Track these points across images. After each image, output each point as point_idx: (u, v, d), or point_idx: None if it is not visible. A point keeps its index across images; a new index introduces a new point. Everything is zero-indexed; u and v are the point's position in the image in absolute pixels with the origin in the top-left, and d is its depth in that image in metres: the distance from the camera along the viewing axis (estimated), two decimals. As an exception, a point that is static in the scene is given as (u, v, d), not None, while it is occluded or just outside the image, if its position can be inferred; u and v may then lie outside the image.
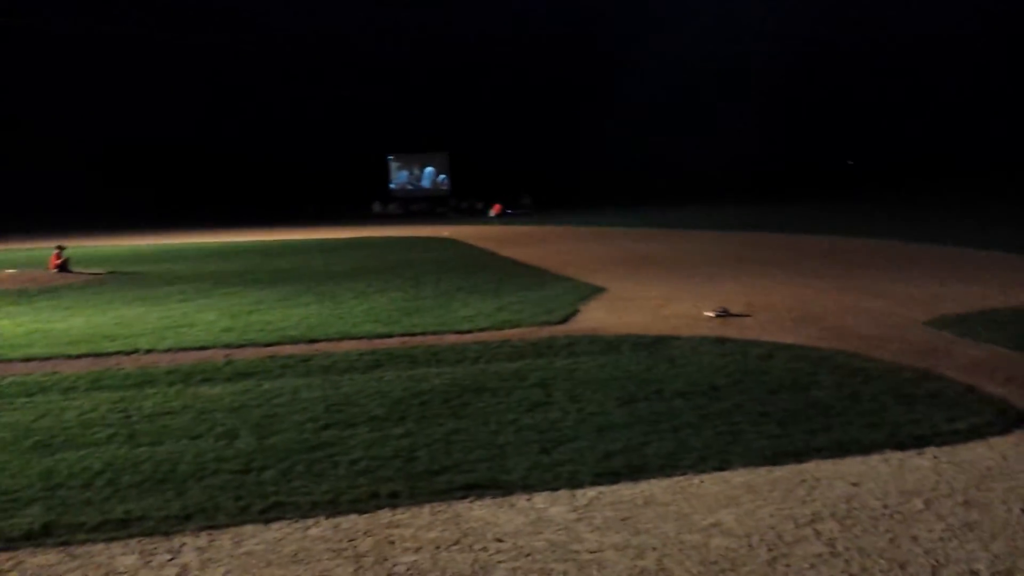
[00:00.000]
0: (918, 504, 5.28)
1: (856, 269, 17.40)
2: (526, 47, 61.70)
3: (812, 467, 5.92)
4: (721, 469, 5.90)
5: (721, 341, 10.12)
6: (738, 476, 5.79)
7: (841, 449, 6.23)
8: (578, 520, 5.15)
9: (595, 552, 4.72)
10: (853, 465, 5.95)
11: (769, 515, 5.15)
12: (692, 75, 58.98)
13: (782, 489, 5.55)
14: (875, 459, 6.07)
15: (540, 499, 5.48)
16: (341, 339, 11.06)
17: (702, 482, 5.70)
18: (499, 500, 5.48)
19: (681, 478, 5.77)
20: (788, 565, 4.53)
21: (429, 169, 59.26)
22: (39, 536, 5.06)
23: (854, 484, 5.61)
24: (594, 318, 12.16)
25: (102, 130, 57.04)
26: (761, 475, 5.80)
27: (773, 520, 5.08)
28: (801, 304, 12.95)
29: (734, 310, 12.29)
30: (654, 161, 59.72)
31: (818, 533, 4.89)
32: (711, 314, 11.99)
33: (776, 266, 18.38)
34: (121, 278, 20.01)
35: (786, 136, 62.99)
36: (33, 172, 53.36)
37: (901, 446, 6.30)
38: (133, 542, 4.98)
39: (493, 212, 47.68)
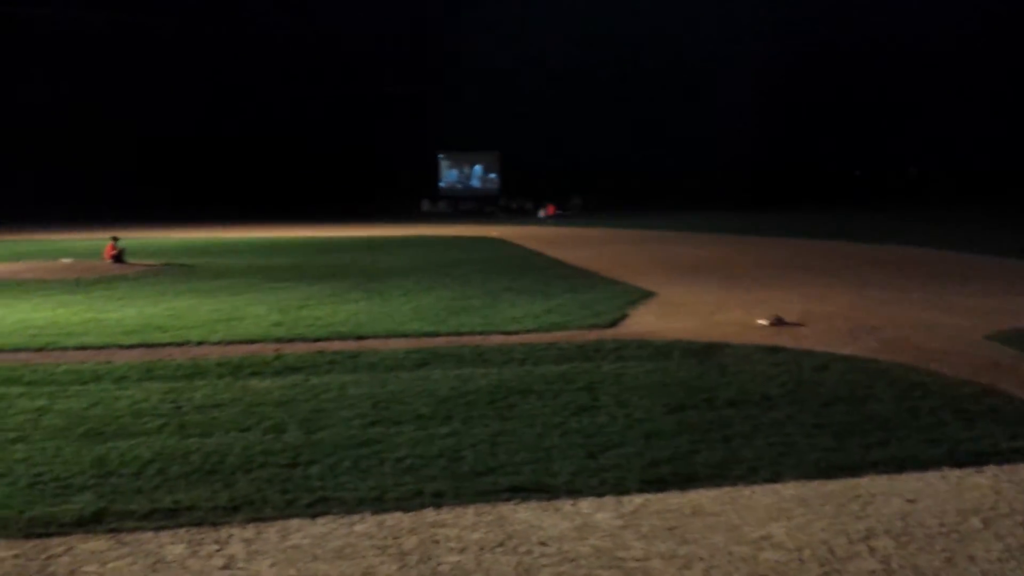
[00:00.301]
0: (976, 523, 5.12)
1: (912, 279, 17.04)
2: (572, 48, 61.67)
3: (867, 482, 5.77)
4: (772, 481, 5.77)
5: (774, 350, 9.94)
6: (790, 489, 5.66)
7: (897, 464, 6.06)
8: (624, 527, 5.07)
9: (641, 560, 4.65)
10: (910, 481, 5.79)
11: (821, 529, 5.03)
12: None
13: (835, 503, 5.41)
14: (932, 476, 5.90)
15: (586, 504, 5.41)
16: (389, 337, 11.10)
17: (752, 493, 5.58)
18: (544, 504, 5.42)
19: (731, 489, 5.66)
20: (841, 582, 4.41)
21: (478, 168, 59.42)
22: (90, 522, 5.12)
23: (910, 501, 5.45)
24: (643, 323, 12.05)
25: (151, 123, 58.04)
26: (814, 488, 5.66)
27: (825, 535, 4.96)
28: (858, 314, 12.69)
29: (788, 318, 12.06)
30: (691, 163, 59.52)
31: (872, 550, 4.76)
32: (764, 322, 11.78)
33: (831, 274, 18.07)
34: (173, 270, 20.34)
35: (821, 141, 62.56)
36: (78, 165, 54.54)
37: (960, 463, 6.11)
38: (182, 531, 5.01)
39: (548, 212, 47.53)
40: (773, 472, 5.91)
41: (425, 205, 55.79)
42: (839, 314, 12.71)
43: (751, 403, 7.65)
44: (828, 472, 5.92)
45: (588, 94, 61.96)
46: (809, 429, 6.86)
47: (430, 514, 5.27)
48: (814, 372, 8.82)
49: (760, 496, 5.54)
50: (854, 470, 5.96)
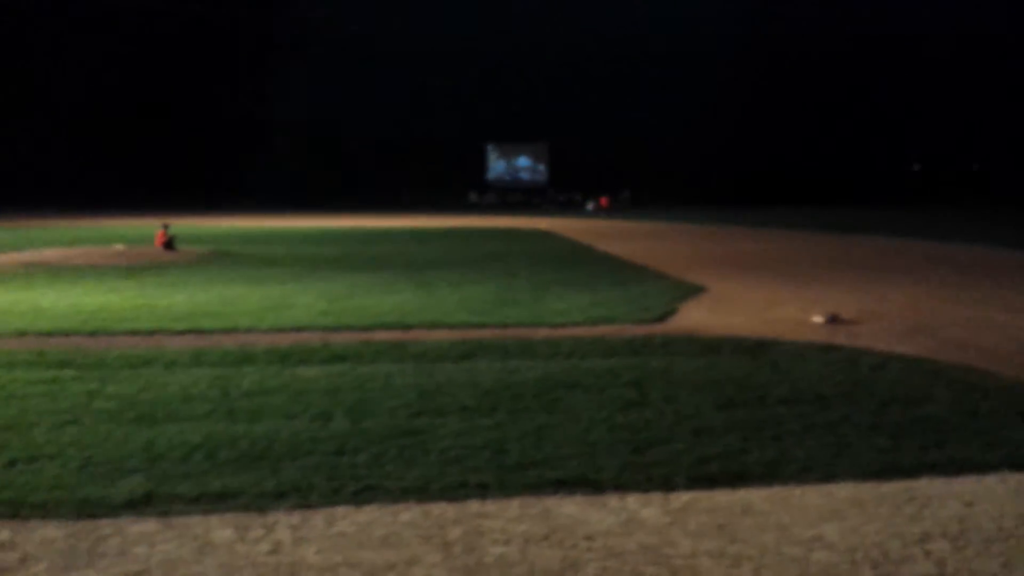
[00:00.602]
0: (1035, 528, 4.95)
1: (968, 276, 16.63)
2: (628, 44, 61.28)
3: (923, 484, 5.61)
4: (825, 481, 5.63)
5: (829, 348, 9.73)
6: (843, 489, 5.51)
7: (955, 467, 5.88)
8: (671, 524, 4.99)
9: (688, 558, 4.56)
10: (967, 484, 5.61)
11: (875, 531, 4.89)
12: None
13: (890, 505, 5.27)
14: (991, 479, 5.71)
15: (632, 500, 5.33)
16: (434, 327, 11.09)
17: (804, 493, 5.45)
18: (590, 498, 5.35)
19: (782, 488, 5.53)
20: (896, 586, 4.29)
21: (525, 159, 59.34)
22: (140, 505, 5.17)
23: (967, 504, 5.29)
24: (693, 318, 11.89)
25: (200, 113, 58.88)
26: (868, 490, 5.51)
27: (879, 537, 4.82)
28: (917, 313, 12.39)
29: (844, 316, 11.79)
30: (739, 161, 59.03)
31: (927, 553, 4.62)
32: (820, 319, 11.52)
33: (887, 271, 17.72)
34: (222, 258, 20.61)
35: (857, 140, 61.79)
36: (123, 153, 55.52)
37: (1019, 467, 5.91)
38: (229, 516, 5.04)
39: (601, 205, 47.26)
40: (826, 472, 5.76)
41: (472, 196, 55.92)
42: (896, 312, 12.42)
43: (804, 402, 7.47)
44: (883, 473, 5.75)
45: (635, 86, 61.64)
46: (864, 430, 6.68)
47: (475, 505, 5.23)
48: (870, 371, 8.60)
49: (812, 496, 5.41)
50: (910, 472, 5.79)
